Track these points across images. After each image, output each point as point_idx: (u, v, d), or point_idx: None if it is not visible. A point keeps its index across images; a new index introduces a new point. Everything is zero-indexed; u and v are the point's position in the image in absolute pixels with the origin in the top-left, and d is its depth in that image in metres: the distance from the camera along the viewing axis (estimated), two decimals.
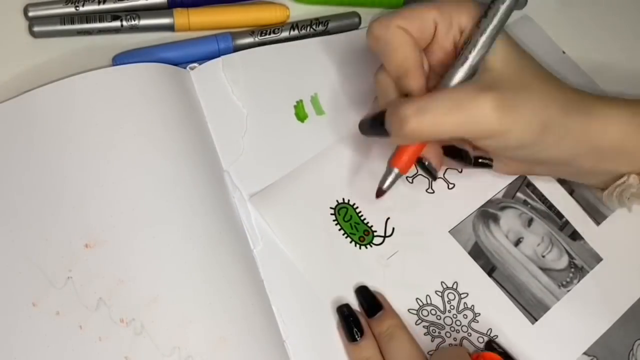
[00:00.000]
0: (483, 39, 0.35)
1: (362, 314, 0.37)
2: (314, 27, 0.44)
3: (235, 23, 0.44)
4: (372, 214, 0.40)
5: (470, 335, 0.38)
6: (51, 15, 0.41)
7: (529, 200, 0.42)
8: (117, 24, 0.41)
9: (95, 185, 0.36)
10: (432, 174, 0.37)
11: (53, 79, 0.38)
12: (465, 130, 0.34)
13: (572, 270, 0.40)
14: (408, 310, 0.38)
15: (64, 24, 0.41)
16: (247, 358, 0.35)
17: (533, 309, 0.39)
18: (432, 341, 0.38)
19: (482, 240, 0.40)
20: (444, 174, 0.41)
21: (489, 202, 0.41)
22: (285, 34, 0.44)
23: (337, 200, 0.40)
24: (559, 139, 0.35)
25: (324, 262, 0.38)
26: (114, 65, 0.41)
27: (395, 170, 0.36)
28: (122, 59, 0.41)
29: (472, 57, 0.35)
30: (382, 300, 0.37)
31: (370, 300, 0.37)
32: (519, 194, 0.42)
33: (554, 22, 0.47)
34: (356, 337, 0.36)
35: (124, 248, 0.35)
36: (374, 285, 0.38)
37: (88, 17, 0.41)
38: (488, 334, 0.38)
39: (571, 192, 0.43)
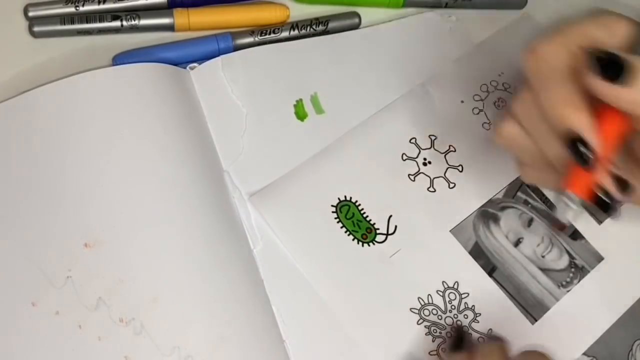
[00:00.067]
0: None
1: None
2: (314, 27, 0.44)
3: (235, 23, 0.44)
4: (375, 211, 0.40)
5: (471, 336, 0.38)
6: (51, 15, 0.41)
7: (529, 200, 0.42)
8: (117, 24, 0.41)
9: (95, 184, 0.36)
10: (609, 207, 0.30)
11: (53, 79, 0.38)
12: None
13: (573, 270, 0.40)
14: (410, 309, 0.38)
15: (64, 24, 0.41)
16: (247, 358, 0.35)
17: (533, 309, 0.39)
18: (433, 341, 0.38)
19: (483, 241, 0.40)
20: (444, 174, 0.41)
21: (490, 202, 0.41)
22: (285, 34, 0.44)
23: (338, 198, 0.40)
24: None
25: (325, 261, 0.38)
26: (114, 65, 0.41)
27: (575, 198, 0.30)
28: (122, 59, 0.41)
29: None
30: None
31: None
32: (519, 194, 0.42)
33: (554, 20, 0.47)
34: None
35: (124, 248, 0.35)
36: (376, 283, 0.38)
37: (88, 17, 0.41)
38: (489, 334, 0.38)
39: None
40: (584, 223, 0.42)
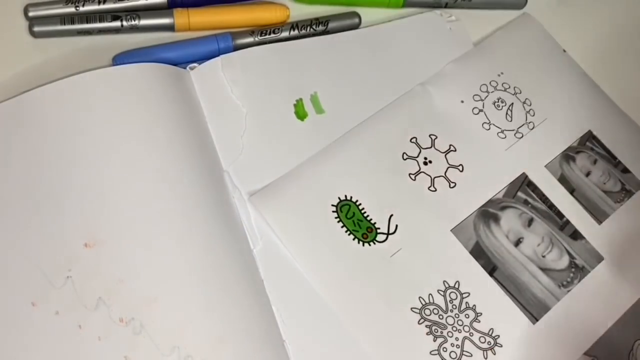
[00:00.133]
0: None
1: None
2: (314, 27, 0.44)
3: (235, 23, 0.44)
4: (375, 210, 0.40)
5: (472, 335, 0.38)
6: (51, 15, 0.41)
7: (529, 200, 0.42)
8: (117, 24, 0.41)
9: (94, 184, 0.36)
10: None
11: (53, 79, 0.38)
12: None
13: (573, 270, 0.40)
14: (411, 309, 0.38)
15: (64, 24, 0.41)
16: (246, 358, 0.35)
17: (534, 309, 0.39)
18: (434, 341, 0.37)
19: (483, 240, 0.40)
20: (445, 173, 0.41)
21: (490, 202, 0.41)
22: (285, 34, 0.44)
23: (339, 198, 0.40)
24: None
25: (325, 261, 0.38)
26: (114, 65, 0.41)
27: None
28: (122, 59, 0.41)
29: None
30: None
31: None
32: (519, 194, 0.42)
33: (554, 20, 0.48)
34: None
35: (124, 247, 0.35)
36: (377, 283, 0.38)
37: (88, 17, 0.41)
38: (490, 333, 0.38)
39: (572, 191, 0.43)
40: (584, 223, 0.42)
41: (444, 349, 0.37)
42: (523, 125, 0.44)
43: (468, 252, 0.40)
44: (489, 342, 0.38)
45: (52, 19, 0.41)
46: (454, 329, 0.38)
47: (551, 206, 0.42)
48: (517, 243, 0.41)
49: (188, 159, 0.38)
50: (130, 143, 0.37)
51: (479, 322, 0.38)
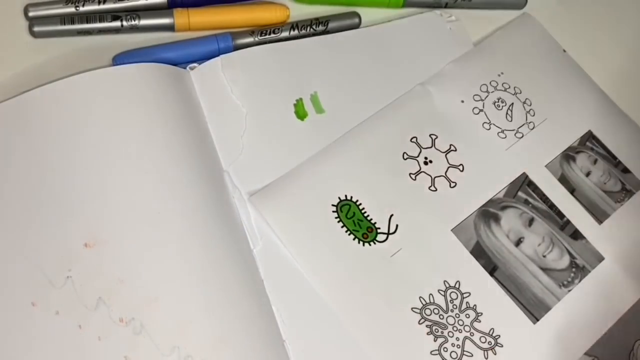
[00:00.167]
0: None
1: None
2: (314, 27, 0.44)
3: (235, 23, 0.44)
4: (376, 210, 0.40)
5: (473, 335, 0.38)
6: (51, 15, 0.41)
7: (530, 200, 0.42)
8: (117, 24, 0.41)
9: (95, 184, 0.36)
10: None
11: (53, 79, 0.38)
12: None
13: (574, 270, 0.40)
14: (411, 309, 0.38)
15: (64, 24, 0.41)
16: (246, 358, 0.35)
17: (534, 309, 0.39)
18: (434, 341, 0.37)
19: (484, 240, 0.40)
20: (445, 173, 0.41)
21: (490, 202, 0.41)
22: (285, 34, 0.44)
23: (339, 197, 0.40)
24: None
25: (325, 260, 0.38)
26: (114, 65, 0.41)
27: None
28: (122, 59, 0.41)
29: None
30: None
31: None
32: (520, 193, 0.42)
33: (554, 20, 0.48)
34: None
35: (124, 247, 0.35)
36: (377, 283, 0.38)
37: (88, 17, 0.41)
38: (490, 333, 0.38)
39: (572, 191, 0.43)
40: (585, 223, 0.42)
41: (445, 349, 0.37)
42: (523, 125, 0.44)
43: (468, 251, 0.40)
44: (489, 342, 0.38)
45: (52, 19, 0.41)
46: (455, 328, 0.38)
47: (552, 206, 0.42)
48: (518, 243, 0.41)
49: (188, 159, 0.38)
50: (130, 143, 0.37)
51: (480, 322, 0.38)
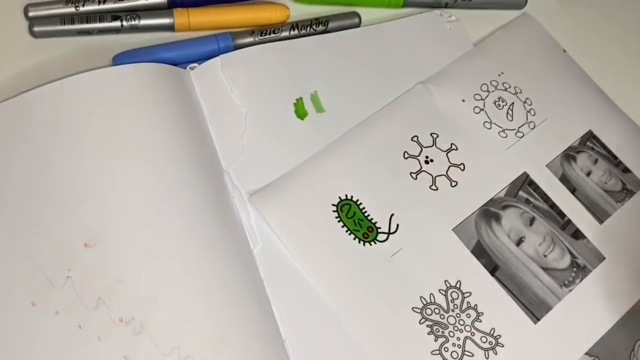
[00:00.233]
0: None
1: None
2: (314, 27, 0.44)
3: (235, 23, 0.44)
4: (376, 210, 0.40)
5: (474, 335, 0.38)
6: (51, 15, 0.41)
7: (530, 199, 0.42)
8: (117, 24, 0.41)
9: (94, 184, 0.36)
10: None
11: (53, 79, 0.38)
12: None
13: (575, 269, 0.40)
14: (412, 308, 0.38)
15: (64, 24, 0.41)
16: (246, 358, 0.34)
17: (535, 309, 0.39)
18: (435, 340, 0.37)
19: (485, 239, 0.40)
20: (446, 172, 0.41)
21: (491, 201, 0.41)
22: (285, 34, 0.44)
23: (339, 197, 0.40)
24: None
25: (325, 260, 0.38)
26: (114, 65, 0.41)
27: None
28: (122, 59, 0.41)
29: None
30: None
31: None
32: (521, 193, 0.42)
33: (554, 20, 0.48)
34: None
35: (124, 247, 0.35)
36: (378, 283, 0.38)
37: (88, 17, 0.41)
38: (491, 333, 0.38)
39: (573, 191, 0.43)
40: (586, 222, 0.42)
41: (445, 349, 0.37)
42: (524, 124, 0.44)
43: (469, 251, 0.40)
44: (490, 341, 0.38)
45: (52, 19, 0.41)
46: (455, 328, 0.38)
47: (552, 205, 0.42)
48: (519, 242, 0.41)
49: (188, 159, 0.38)
50: (130, 143, 0.37)
51: (481, 321, 0.38)
